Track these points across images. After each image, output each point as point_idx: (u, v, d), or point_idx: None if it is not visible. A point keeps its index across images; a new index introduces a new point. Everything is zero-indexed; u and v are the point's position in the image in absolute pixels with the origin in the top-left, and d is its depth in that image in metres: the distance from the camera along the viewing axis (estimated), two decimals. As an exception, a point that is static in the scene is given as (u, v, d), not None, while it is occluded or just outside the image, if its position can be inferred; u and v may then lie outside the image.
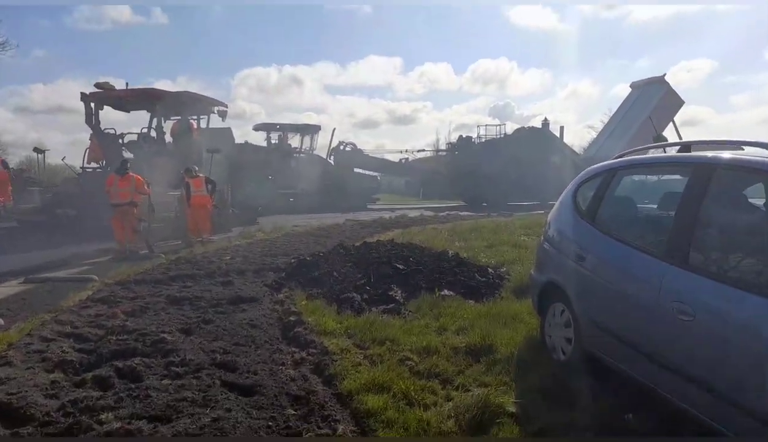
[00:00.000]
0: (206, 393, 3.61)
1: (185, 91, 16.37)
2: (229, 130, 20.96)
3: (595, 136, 52.07)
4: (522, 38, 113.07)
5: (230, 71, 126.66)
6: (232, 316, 5.57)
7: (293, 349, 4.70)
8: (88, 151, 16.26)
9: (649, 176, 4.96)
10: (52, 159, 30.30)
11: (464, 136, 33.91)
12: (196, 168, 13.09)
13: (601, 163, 4.60)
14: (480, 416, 3.28)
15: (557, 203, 4.85)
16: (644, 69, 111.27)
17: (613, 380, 3.69)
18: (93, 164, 16.41)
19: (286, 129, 31.84)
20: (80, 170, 16.36)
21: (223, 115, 17.93)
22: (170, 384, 3.75)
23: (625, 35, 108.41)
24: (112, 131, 16.96)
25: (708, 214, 3.14)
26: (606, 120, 51.17)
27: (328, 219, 19.63)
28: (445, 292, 6.33)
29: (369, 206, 29.81)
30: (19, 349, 4.34)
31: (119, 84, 16.48)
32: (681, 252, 3.06)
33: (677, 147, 3.97)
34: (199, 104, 17.28)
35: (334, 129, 33.44)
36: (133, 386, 3.74)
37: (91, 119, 16.34)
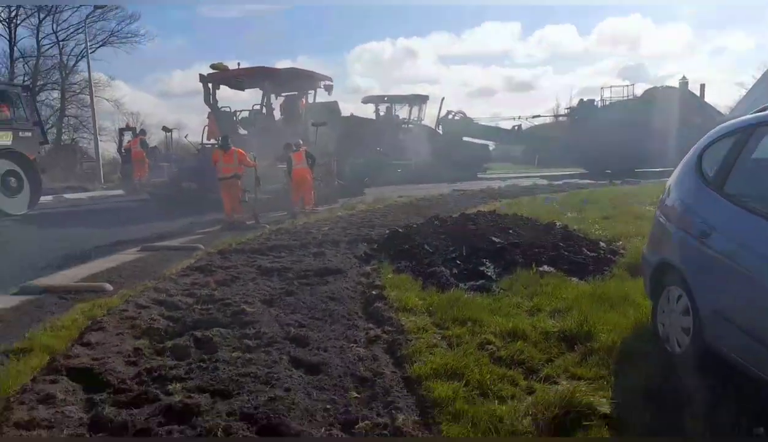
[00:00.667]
0: (271, 369, 3.49)
1: (292, 68, 16.79)
2: (335, 103, 21.25)
3: (744, 94, 45.76)
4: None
5: (346, 48, 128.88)
6: (316, 288, 5.48)
7: (370, 325, 4.47)
8: (206, 128, 17.36)
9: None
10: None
11: (585, 99, 31.27)
12: (300, 142, 13.34)
13: (738, 119, 3.70)
14: (563, 416, 2.77)
15: (678, 167, 4.02)
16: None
17: (740, 382, 2.96)
18: (212, 140, 17.52)
19: (393, 100, 31.71)
20: (200, 146, 17.55)
21: (329, 89, 18.18)
22: (239, 357, 3.70)
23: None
24: (227, 109, 17.99)
25: None
26: (759, 76, 44.76)
27: (435, 189, 19.27)
28: (545, 268, 5.69)
29: (479, 176, 28.89)
30: (114, 315, 4.59)
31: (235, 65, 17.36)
32: None
33: None
34: (306, 79, 17.64)
35: (443, 98, 32.55)
36: (206, 356, 3.74)
37: (209, 98, 17.43)
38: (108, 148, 36.04)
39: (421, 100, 31.71)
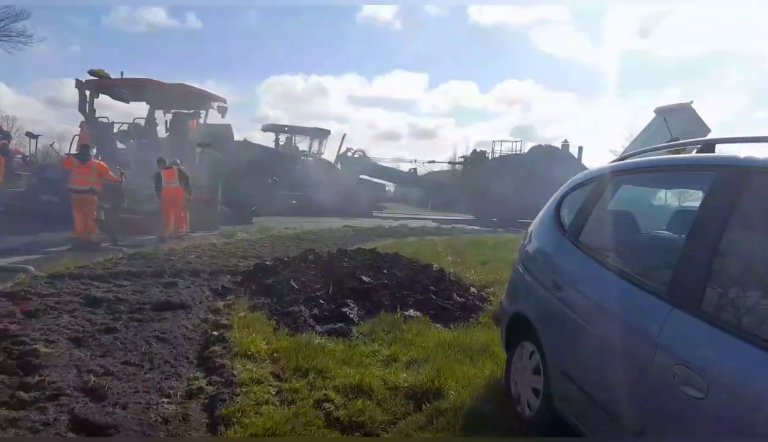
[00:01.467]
0: (36, 434, 2.69)
1: (181, 84, 15.74)
2: (228, 126, 20.25)
3: (613, 157, 50.92)
4: (549, 62, 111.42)
5: (258, 78, 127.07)
6: (146, 325, 4.66)
7: (197, 374, 3.77)
8: (76, 137, 15.62)
9: (654, 187, 3.96)
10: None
11: (478, 150, 32.90)
12: (177, 160, 12.31)
13: (595, 167, 3.63)
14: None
15: (539, 215, 3.87)
16: (672, 99, 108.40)
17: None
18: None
19: (294, 131, 31.20)
20: (65, 156, 15.67)
21: (222, 111, 17.33)
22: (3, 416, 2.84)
23: (655, 66, 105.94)
24: (105, 120, 16.40)
25: (735, 239, 2.14)
26: (627, 145, 50.21)
27: (326, 223, 18.77)
28: (411, 312, 5.34)
29: (374, 214, 28.92)
30: None
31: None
32: (692, 291, 2.07)
33: (695, 148, 2.99)
34: (197, 98, 16.65)
35: (344, 135, 32.63)
36: (-44, 413, 2.84)
37: (84, 106, 15.80)
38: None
39: (322, 134, 31.50)
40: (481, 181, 29.43)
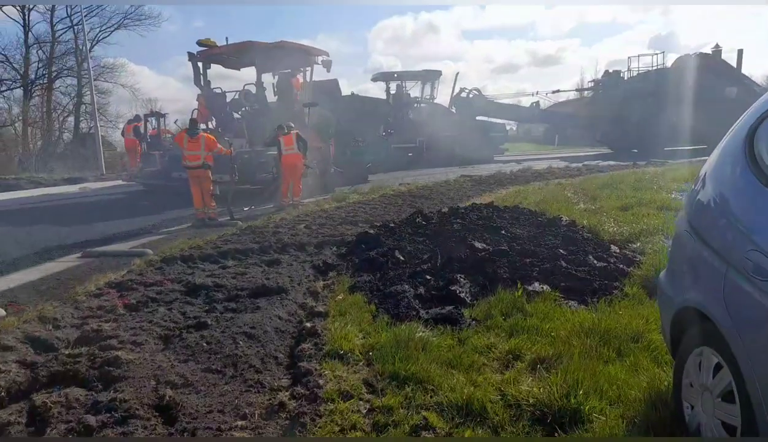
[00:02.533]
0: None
1: (282, 41, 15.42)
2: (335, 81, 19.87)
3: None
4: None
5: (367, 25, 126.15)
6: (239, 317, 4.30)
7: (281, 382, 3.28)
8: (195, 111, 16.23)
9: None
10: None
11: (611, 71, 29.14)
12: (292, 125, 12.12)
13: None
14: None
15: (716, 153, 2.68)
16: None
17: None
18: (201, 126, 16.40)
19: (404, 77, 30.13)
20: (177, 133, 16.42)
21: (327, 65, 16.75)
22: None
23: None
24: (218, 90, 16.82)
25: None
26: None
27: (443, 175, 17.92)
28: (536, 287, 4.39)
29: (496, 158, 27.29)
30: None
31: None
32: None
33: None
34: (300, 55, 16.27)
35: (457, 74, 31.04)
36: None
37: (199, 79, 16.30)
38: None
39: (433, 76, 30.05)
40: (617, 106, 26.15)
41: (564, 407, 2.65)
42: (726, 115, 19.44)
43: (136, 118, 21.36)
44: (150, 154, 18.11)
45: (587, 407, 2.63)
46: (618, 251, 5.39)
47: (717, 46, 26.92)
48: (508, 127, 33.36)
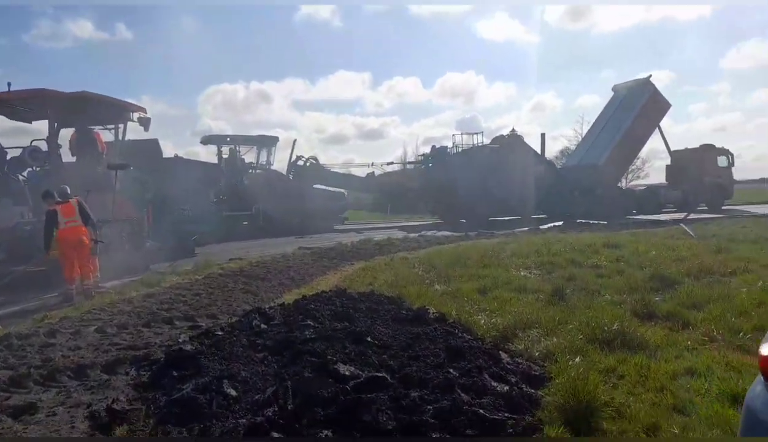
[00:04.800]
0: None
1: (85, 92, 12.84)
2: (155, 141, 17.44)
3: (567, 144, 50.69)
4: (488, 51, 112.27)
5: (197, 88, 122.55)
6: None
7: None
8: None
9: None
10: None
11: (438, 146, 30.92)
12: (67, 189, 9.57)
13: None
14: None
15: None
16: (608, 80, 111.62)
17: None
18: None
19: (238, 141, 28.32)
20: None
21: (145, 123, 14.41)
22: None
23: (589, 47, 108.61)
24: (-6, 146, 13.34)
25: None
26: (579, 129, 49.72)
27: (280, 247, 16.35)
28: None
29: (335, 227, 26.55)
30: None
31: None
32: None
33: None
34: (110, 109, 13.77)
35: (294, 141, 29.92)
36: None
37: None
38: None
39: (270, 142, 28.81)
40: (445, 179, 27.49)
41: None
42: (535, 191, 21.41)
43: None
44: None
45: None
46: (510, 360, 4.40)
47: (513, 130, 30.25)
48: (346, 195, 33.18)
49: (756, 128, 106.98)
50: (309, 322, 5.22)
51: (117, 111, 13.77)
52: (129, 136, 14.72)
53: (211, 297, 8.22)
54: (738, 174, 32.39)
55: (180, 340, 5.22)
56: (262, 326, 5.28)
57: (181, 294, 8.45)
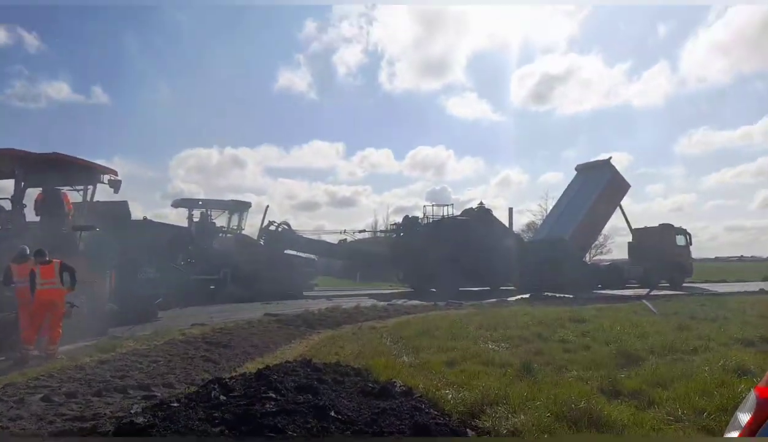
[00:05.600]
0: None
1: (56, 153, 12.76)
2: (124, 203, 17.19)
3: (533, 219, 52.39)
4: (458, 128, 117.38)
5: (170, 152, 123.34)
6: None
7: None
8: None
9: None
10: None
11: (410, 215, 31.40)
12: (44, 251, 9.38)
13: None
14: None
15: None
16: (570, 159, 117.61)
17: None
18: None
19: (210, 206, 28.25)
20: None
21: (115, 185, 14.28)
22: None
23: (552, 128, 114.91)
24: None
25: None
26: (544, 204, 51.50)
27: (246, 312, 15.98)
28: None
29: (305, 293, 26.18)
30: None
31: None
32: None
33: None
34: (81, 171, 13.64)
35: (267, 207, 30.01)
36: None
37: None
38: None
39: (242, 207, 28.85)
40: (416, 248, 27.73)
41: None
42: (504, 262, 21.75)
43: None
44: None
45: None
46: (477, 438, 4.30)
47: (480, 203, 31.08)
48: (316, 261, 32.97)
49: (710, 209, 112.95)
50: (271, 394, 5.03)
51: (88, 173, 13.65)
52: (98, 197, 14.59)
53: (169, 365, 7.87)
54: (695, 253, 33.67)
55: (132, 411, 4.95)
56: (221, 397, 5.05)
57: (137, 361, 8.08)
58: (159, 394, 6.21)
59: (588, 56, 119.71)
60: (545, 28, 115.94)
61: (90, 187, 14.10)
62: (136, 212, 22.41)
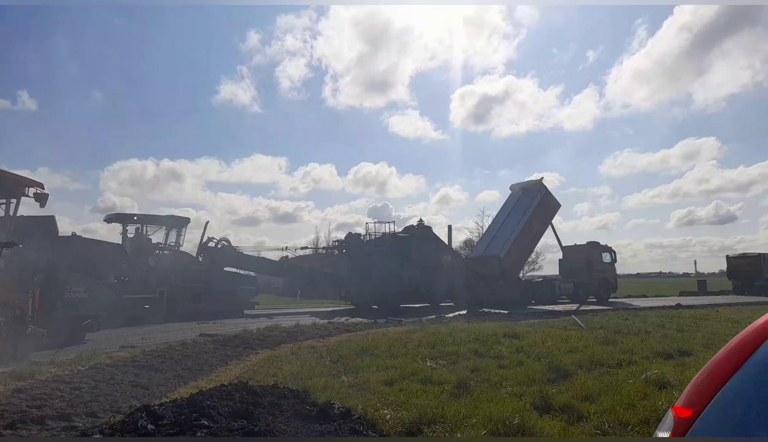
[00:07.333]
0: None
1: (-28, 165, 11.93)
2: (51, 218, 16.27)
3: (470, 236, 53.92)
4: (400, 145, 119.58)
5: (101, 163, 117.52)
6: None
7: None
8: None
9: None
10: None
11: (353, 232, 31.41)
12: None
13: None
14: None
15: None
16: (506, 178, 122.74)
17: None
18: None
19: (146, 221, 27.08)
20: None
21: (42, 199, 13.45)
22: None
23: (490, 147, 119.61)
24: None
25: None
26: (480, 221, 53.12)
27: (181, 332, 15.40)
28: None
29: (246, 312, 25.52)
30: None
31: None
32: None
33: None
34: (2, 183, 12.80)
35: (207, 223, 29.14)
36: None
37: None
38: None
39: (180, 223, 27.80)
40: (358, 265, 27.77)
41: None
42: (443, 279, 22.24)
43: None
44: None
45: None
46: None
47: (420, 220, 31.69)
48: (257, 279, 32.27)
49: (632, 228, 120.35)
50: (203, 421, 4.88)
51: (10, 185, 12.83)
52: (23, 211, 13.74)
53: (93, 392, 7.44)
54: (619, 269, 35.69)
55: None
56: (149, 426, 4.84)
57: (58, 388, 7.59)
58: (80, 424, 5.88)
59: (524, 79, 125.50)
60: (485, 49, 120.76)
61: (13, 200, 13.26)
62: (64, 228, 21.25)
